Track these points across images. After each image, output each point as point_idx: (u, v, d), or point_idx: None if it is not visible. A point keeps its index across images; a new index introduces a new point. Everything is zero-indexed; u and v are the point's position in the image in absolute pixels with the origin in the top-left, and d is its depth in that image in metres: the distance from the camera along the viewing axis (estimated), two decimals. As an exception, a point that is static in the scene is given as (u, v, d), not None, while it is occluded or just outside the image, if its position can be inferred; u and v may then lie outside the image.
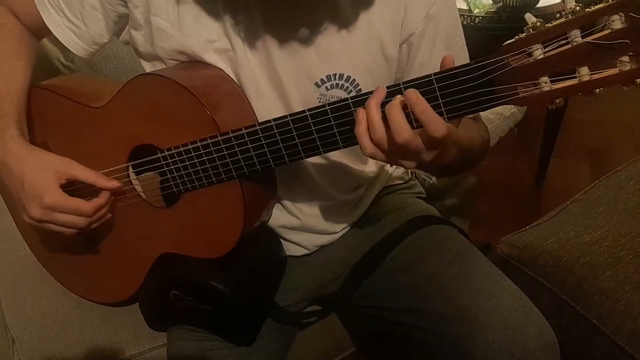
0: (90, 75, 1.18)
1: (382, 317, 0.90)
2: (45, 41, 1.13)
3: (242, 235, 0.78)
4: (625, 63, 0.53)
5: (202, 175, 0.76)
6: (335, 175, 0.89)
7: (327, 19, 0.74)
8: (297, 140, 0.69)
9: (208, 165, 0.75)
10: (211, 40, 0.77)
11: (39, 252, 1.00)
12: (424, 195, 1.07)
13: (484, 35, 1.57)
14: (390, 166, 1.01)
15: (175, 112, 0.75)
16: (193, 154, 0.75)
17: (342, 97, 0.66)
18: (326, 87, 0.78)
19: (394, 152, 0.62)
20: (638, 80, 0.53)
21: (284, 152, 0.70)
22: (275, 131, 0.69)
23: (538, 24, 0.55)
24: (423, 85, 0.60)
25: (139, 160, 0.81)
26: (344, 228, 0.96)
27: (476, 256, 0.86)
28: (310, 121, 0.67)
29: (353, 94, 0.79)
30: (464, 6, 1.62)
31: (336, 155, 0.86)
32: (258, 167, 0.73)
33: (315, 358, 1.07)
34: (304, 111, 0.67)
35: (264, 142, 0.70)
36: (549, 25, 0.54)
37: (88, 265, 0.93)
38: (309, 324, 0.97)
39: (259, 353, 0.87)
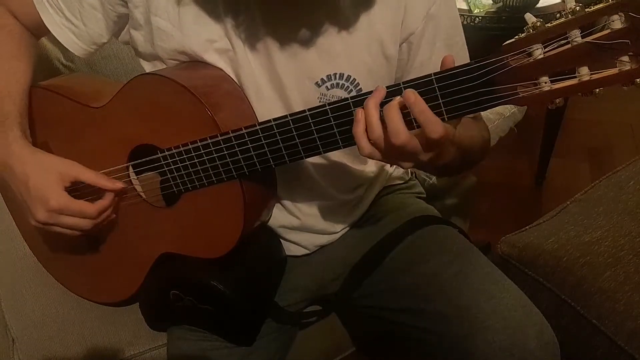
0: (90, 75, 1.18)
1: (382, 317, 0.90)
2: (45, 41, 1.13)
3: (242, 235, 0.78)
4: (625, 63, 0.53)
5: (202, 175, 0.76)
6: (336, 175, 0.89)
7: (328, 20, 0.74)
8: (297, 140, 0.69)
9: (208, 165, 0.75)
10: (211, 40, 0.77)
11: (39, 253, 1.00)
12: (424, 195, 1.07)
13: (484, 35, 1.57)
14: (390, 166, 1.01)
15: (176, 112, 0.75)
16: (193, 154, 0.75)
17: (343, 97, 0.66)
18: (326, 86, 0.78)
19: (391, 152, 0.62)
20: (638, 80, 0.53)
21: (284, 152, 0.70)
22: (276, 131, 0.69)
23: (538, 23, 0.55)
24: (423, 85, 0.60)
25: (139, 160, 0.81)
26: (344, 228, 0.96)
27: (476, 256, 0.86)
28: (311, 121, 0.67)
29: (353, 93, 0.79)
30: (464, 6, 1.62)
31: (336, 155, 0.86)
32: (258, 167, 0.73)
33: (315, 358, 1.07)
34: (304, 111, 0.67)
35: (264, 142, 0.70)
36: (549, 25, 0.54)
37: (88, 266, 0.93)
38: (309, 324, 0.97)
39: (259, 353, 0.87)
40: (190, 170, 0.76)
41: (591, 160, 2.12)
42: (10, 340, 0.98)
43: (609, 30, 0.52)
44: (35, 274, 1.02)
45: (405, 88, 0.61)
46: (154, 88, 0.76)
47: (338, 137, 0.67)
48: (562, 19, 0.54)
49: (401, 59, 0.80)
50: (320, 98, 0.79)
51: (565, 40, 0.54)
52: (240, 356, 0.86)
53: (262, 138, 0.70)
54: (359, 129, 0.62)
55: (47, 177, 0.76)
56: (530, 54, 0.56)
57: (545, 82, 0.56)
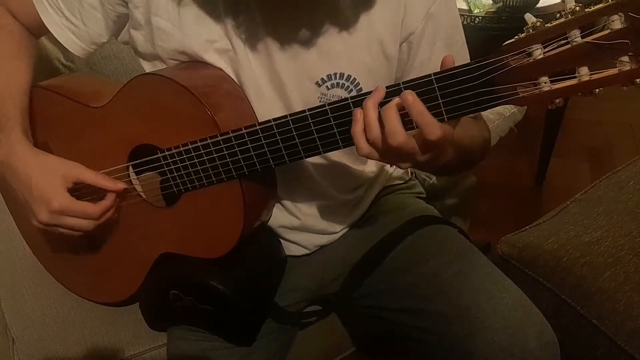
0: (90, 75, 1.18)
1: (382, 317, 0.90)
2: (45, 41, 1.13)
3: (242, 235, 0.78)
4: (625, 63, 0.53)
5: (202, 175, 0.76)
6: (336, 175, 0.89)
7: (328, 20, 0.74)
8: (297, 140, 0.69)
9: (208, 165, 0.75)
10: (212, 40, 0.77)
11: (40, 253, 1.00)
12: (424, 195, 1.07)
13: (484, 35, 1.57)
14: (390, 166, 1.01)
15: (176, 112, 0.75)
16: (193, 154, 0.75)
17: (343, 97, 0.66)
18: (327, 86, 0.78)
19: (388, 153, 0.62)
20: (638, 80, 0.53)
21: (284, 152, 0.70)
22: (275, 131, 0.69)
23: (538, 24, 0.55)
24: (423, 85, 0.60)
25: (139, 160, 0.81)
26: (344, 228, 0.96)
27: (476, 256, 0.86)
28: (310, 121, 0.67)
29: (354, 93, 0.79)
30: (464, 6, 1.62)
31: (336, 155, 0.86)
32: (258, 167, 0.73)
33: (315, 358, 1.07)
34: (304, 111, 0.67)
35: (264, 142, 0.70)
36: (549, 25, 0.54)
37: (88, 266, 0.93)
38: (309, 324, 0.97)
39: (259, 353, 0.87)
40: (190, 170, 0.77)
41: (591, 160, 2.12)
42: (10, 340, 0.98)
43: (608, 31, 0.52)
44: (35, 274, 1.02)
45: (405, 88, 0.61)
46: (154, 88, 0.76)
47: (338, 137, 0.67)
48: (562, 19, 0.54)
49: (401, 59, 0.80)
50: (321, 98, 0.79)
51: (565, 41, 0.54)
52: (240, 356, 0.86)
53: (261, 138, 0.70)
54: (357, 129, 0.62)
55: (49, 178, 0.76)
56: (530, 54, 0.56)
57: (545, 82, 0.56)
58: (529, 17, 0.55)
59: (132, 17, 0.80)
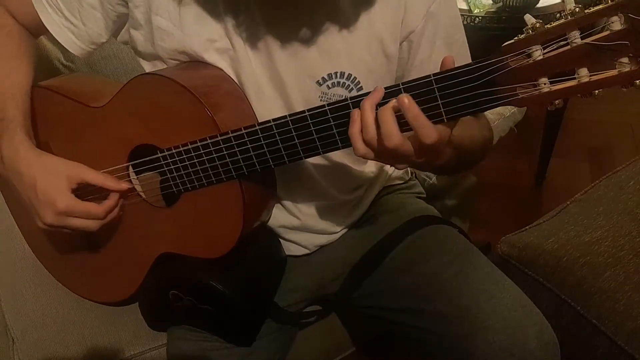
0: (90, 75, 1.18)
1: (382, 317, 0.90)
2: (45, 41, 1.13)
3: (241, 235, 0.78)
4: (625, 64, 0.53)
5: (201, 175, 0.76)
6: (336, 176, 0.89)
7: (328, 19, 0.74)
8: (297, 141, 0.69)
9: (208, 165, 0.75)
10: (212, 39, 0.77)
11: (40, 253, 1.00)
12: (424, 195, 1.07)
13: (484, 35, 1.57)
14: (390, 166, 1.01)
15: (175, 112, 0.76)
16: (193, 154, 0.75)
17: (344, 95, 0.66)
18: (327, 85, 0.78)
19: (384, 154, 0.62)
20: (637, 81, 0.53)
21: (283, 153, 0.70)
22: (275, 131, 0.69)
23: (537, 24, 0.55)
24: (422, 85, 0.60)
25: (139, 160, 0.81)
26: (344, 228, 0.96)
27: (476, 256, 0.86)
28: (310, 121, 0.67)
29: (354, 92, 0.79)
30: (464, 6, 1.62)
31: (336, 156, 0.86)
32: (257, 167, 0.73)
33: (315, 358, 1.07)
34: (303, 111, 0.67)
35: (263, 142, 0.70)
36: (549, 26, 0.54)
37: (88, 265, 0.93)
38: (309, 324, 0.97)
39: (259, 353, 0.87)
40: (190, 170, 0.77)
41: (591, 160, 2.12)
42: (10, 340, 0.98)
43: (608, 32, 0.52)
44: (35, 274, 1.02)
45: (404, 89, 0.61)
46: (154, 88, 0.76)
47: (337, 138, 0.67)
48: (562, 20, 0.54)
49: (401, 58, 0.80)
50: (321, 97, 0.79)
51: (565, 42, 0.54)
52: (240, 356, 0.86)
53: (261, 138, 0.70)
54: (354, 130, 0.62)
55: (53, 179, 0.76)
56: (529, 55, 0.56)
57: (545, 83, 0.56)
58: (529, 18, 0.55)
59: (132, 16, 0.80)
